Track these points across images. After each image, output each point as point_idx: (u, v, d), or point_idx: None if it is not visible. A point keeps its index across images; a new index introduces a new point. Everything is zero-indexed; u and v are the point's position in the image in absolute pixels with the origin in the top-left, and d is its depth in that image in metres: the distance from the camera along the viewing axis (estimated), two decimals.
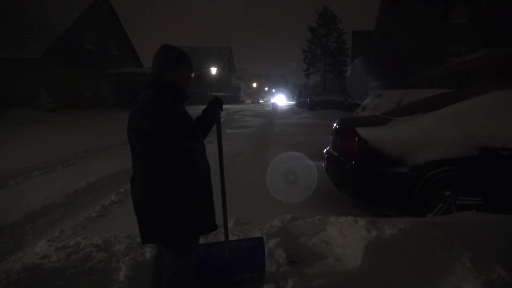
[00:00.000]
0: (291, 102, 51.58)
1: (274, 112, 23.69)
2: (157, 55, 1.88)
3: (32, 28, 19.95)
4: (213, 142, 6.67)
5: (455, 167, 3.23)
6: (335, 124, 4.43)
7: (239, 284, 2.37)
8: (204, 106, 2.01)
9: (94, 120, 15.43)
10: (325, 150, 4.63)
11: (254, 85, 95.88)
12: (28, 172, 5.63)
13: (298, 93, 43.50)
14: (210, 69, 39.45)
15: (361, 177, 3.59)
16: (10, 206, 4.01)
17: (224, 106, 2.33)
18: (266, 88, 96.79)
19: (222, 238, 2.28)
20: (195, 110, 3.66)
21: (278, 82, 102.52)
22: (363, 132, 3.53)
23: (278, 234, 3.11)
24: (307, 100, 27.44)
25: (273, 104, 28.88)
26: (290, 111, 23.97)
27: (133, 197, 1.81)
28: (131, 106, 1.80)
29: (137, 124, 1.70)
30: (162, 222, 1.71)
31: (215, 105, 1.95)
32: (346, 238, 2.90)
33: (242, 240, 2.51)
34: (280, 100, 47.88)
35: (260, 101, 66.45)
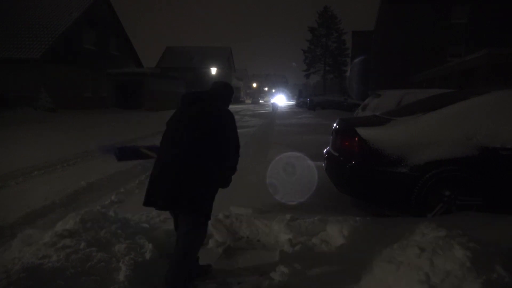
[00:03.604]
0: (291, 102, 51.57)
1: (274, 112, 23.69)
2: (227, 92, 2.68)
3: (32, 28, 19.92)
4: None
5: (455, 167, 3.23)
6: (335, 124, 4.43)
7: None
8: None
9: (94, 120, 15.43)
10: (325, 150, 4.62)
11: (254, 85, 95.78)
12: (28, 172, 5.63)
13: (298, 93, 43.53)
14: (210, 69, 39.42)
15: (361, 177, 3.59)
16: (10, 206, 4.01)
17: None
18: (266, 88, 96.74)
19: None
20: None
21: (278, 82, 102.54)
22: (363, 132, 3.53)
23: (278, 235, 3.12)
24: (307, 100, 27.44)
25: (273, 104, 28.91)
26: (290, 111, 23.99)
27: (181, 175, 2.19)
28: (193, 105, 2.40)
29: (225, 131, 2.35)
30: (206, 201, 2.30)
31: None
32: (346, 238, 2.90)
33: None
34: (280, 100, 47.92)
35: (260, 101, 66.33)
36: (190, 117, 2.35)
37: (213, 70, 38.99)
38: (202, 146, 2.24)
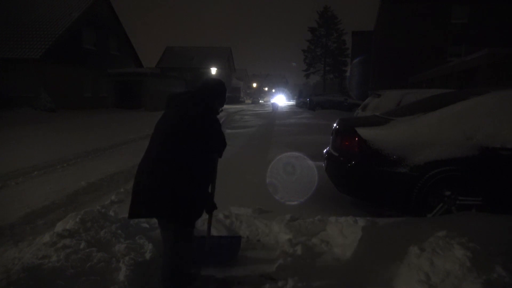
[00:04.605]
0: (291, 102, 51.58)
1: (274, 112, 23.69)
2: (214, 89, 2.41)
3: (32, 28, 19.93)
4: None
5: (455, 167, 3.23)
6: (335, 124, 4.43)
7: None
8: None
9: (94, 120, 15.43)
10: (325, 150, 4.63)
11: (254, 85, 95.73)
12: (28, 172, 5.63)
13: (298, 93, 43.52)
14: (210, 69, 39.43)
15: (361, 177, 3.59)
16: (10, 206, 4.01)
17: (224, 106, 2.44)
18: (266, 88, 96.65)
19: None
20: None
21: (278, 82, 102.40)
22: (363, 132, 3.53)
23: (277, 235, 3.12)
24: (307, 100, 27.44)
25: (273, 104, 28.88)
26: (290, 111, 23.98)
27: (164, 185, 2.04)
28: (176, 106, 2.26)
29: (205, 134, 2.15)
30: (191, 207, 2.12)
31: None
32: (346, 238, 2.90)
33: (222, 237, 3.00)
34: (280, 100, 47.88)
35: (260, 101, 66.33)
36: (175, 121, 2.18)
37: (213, 70, 39.01)
38: (187, 149, 2.10)
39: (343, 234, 2.95)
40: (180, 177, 2.06)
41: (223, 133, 2.31)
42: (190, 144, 2.11)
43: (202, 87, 2.41)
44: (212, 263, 2.71)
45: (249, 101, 62.74)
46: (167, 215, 2.10)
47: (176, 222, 2.11)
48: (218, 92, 2.42)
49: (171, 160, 2.08)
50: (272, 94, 67.02)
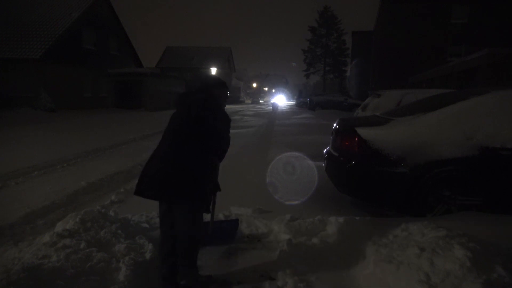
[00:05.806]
0: (291, 102, 51.60)
1: (274, 112, 23.70)
2: (213, 85, 2.49)
3: (32, 28, 19.93)
4: None
5: (455, 167, 3.23)
6: (335, 124, 4.43)
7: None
8: None
9: (94, 120, 15.43)
10: (325, 150, 4.62)
11: (254, 85, 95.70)
12: (28, 172, 5.63)
13: (298, 93, 43.54)
14: (210, 69, 39.43)
15: (361, 177, 3.59)
16: (10, 206, 4.01)
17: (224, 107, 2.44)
18: (266, 88, 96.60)
19: None
20: None
21: (278, 82, 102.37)
22: (363, 132, 3.53)
23: (277, 235, 3.12)
24: (307, 100, 27.44)
25: (273, 104, 28.90)
26: (290, 111, 23.99)
27: (167, 186, 2.14)
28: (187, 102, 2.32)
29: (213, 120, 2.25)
30: (204, 188, 2.23)
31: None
32: (346, 238, 2.90)
33: (222, 222, 3.28)
34: (280, 100, 47.88)
35: (260, 101, 66.39)
36: (176, 122, 2.32)
37: (213, 70, 39.00)
38: (189, 151, 2.19)
39: (343, 234, 2.95)
40: (182, 178, 2.14)
41: (229, 120, 2.37)
42: (191, 145, 2.17)
43: (202, 85, 2.47)
44: (214, 244, 2.99)
45: (249, 101, 62.74)
46: (170, 198, 2.21)
47: (183, 199, 2.19)
48: (217, 87, 2.49)
49: (173, 161, 2.17)
50: (272, 94, 67.05)
